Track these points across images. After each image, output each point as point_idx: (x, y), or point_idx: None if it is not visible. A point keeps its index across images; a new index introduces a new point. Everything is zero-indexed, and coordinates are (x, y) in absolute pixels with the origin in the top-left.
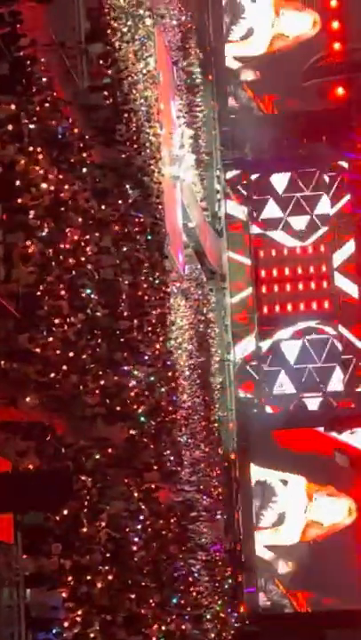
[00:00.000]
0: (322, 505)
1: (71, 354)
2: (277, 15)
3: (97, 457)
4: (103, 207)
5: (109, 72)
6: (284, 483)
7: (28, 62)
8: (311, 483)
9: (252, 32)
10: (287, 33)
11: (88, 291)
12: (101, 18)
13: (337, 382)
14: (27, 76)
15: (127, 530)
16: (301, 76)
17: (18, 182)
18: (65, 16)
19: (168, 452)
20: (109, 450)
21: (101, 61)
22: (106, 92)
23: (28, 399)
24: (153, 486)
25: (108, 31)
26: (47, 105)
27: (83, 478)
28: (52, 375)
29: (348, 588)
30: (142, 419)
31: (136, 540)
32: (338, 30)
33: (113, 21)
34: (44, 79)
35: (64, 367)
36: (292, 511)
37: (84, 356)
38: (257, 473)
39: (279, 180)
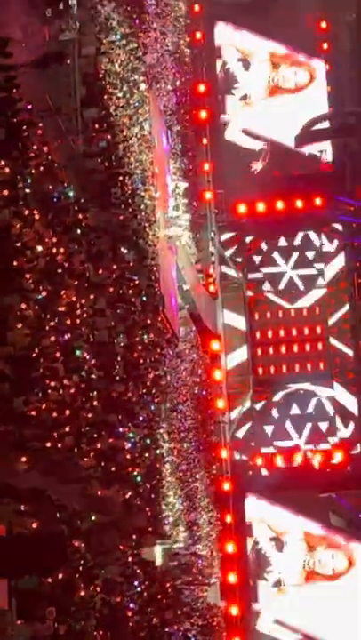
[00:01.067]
0: (323, 556)
1: (67, 416)
2: (275, 69)
3: (92, 520)
4: (99, 270)
5: (105, 136)
6: (280, 547)
7: (25, 127)
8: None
9: (247, 97)
10: (286, 86)
11: (83, 353)
12: (97, 83)
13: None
14: (23, 140)
15: (122, 594)
16: (296, 141)
17: (13, 245)
18: (61, 81)
19: (164, 514)
20: (104, 513)
21: (97, 126)
22: (101, 156)
23: (22, 462)
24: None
25: (104, 96)
26: (43, 169)
27: (77, 544)
28: (48, 438)
29: None
30: (137, 480)
31: (131, 605)
32: (330, 94)
33: (108, 87)
34: (40, 144)
35: (59, 430)
36: (289, 574)
37: (80, 419)
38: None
39: (275, 255)
